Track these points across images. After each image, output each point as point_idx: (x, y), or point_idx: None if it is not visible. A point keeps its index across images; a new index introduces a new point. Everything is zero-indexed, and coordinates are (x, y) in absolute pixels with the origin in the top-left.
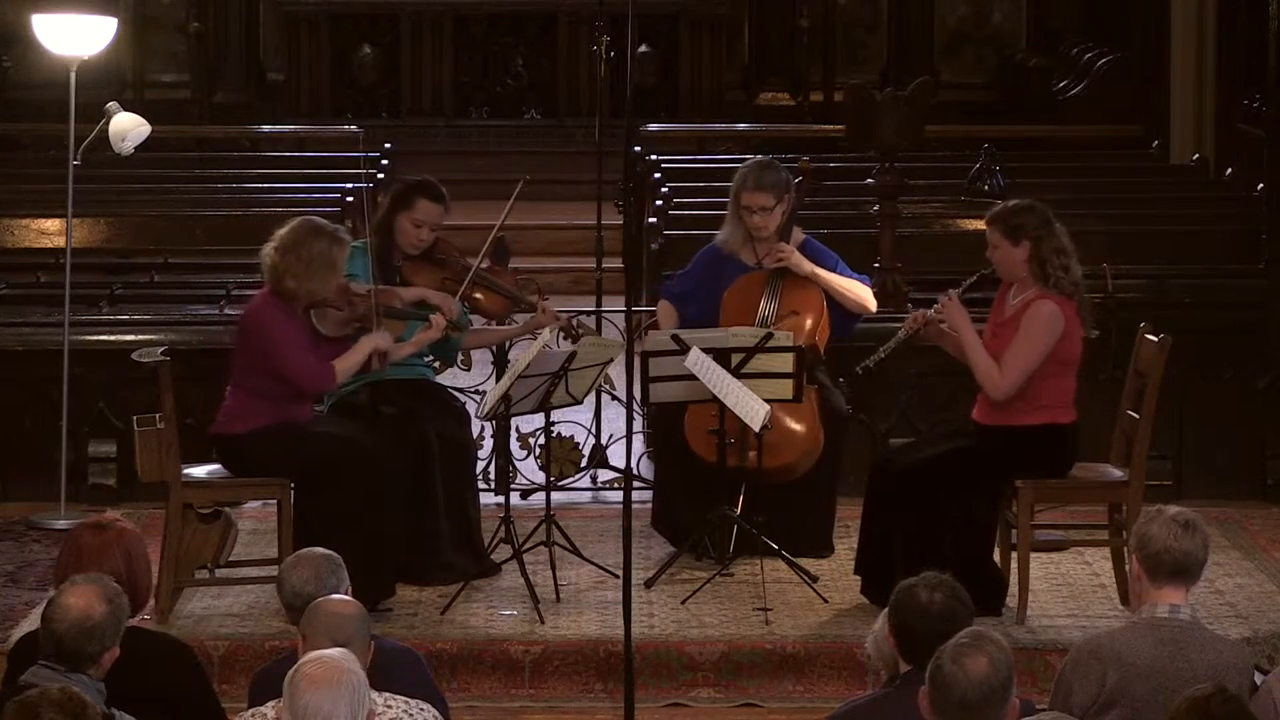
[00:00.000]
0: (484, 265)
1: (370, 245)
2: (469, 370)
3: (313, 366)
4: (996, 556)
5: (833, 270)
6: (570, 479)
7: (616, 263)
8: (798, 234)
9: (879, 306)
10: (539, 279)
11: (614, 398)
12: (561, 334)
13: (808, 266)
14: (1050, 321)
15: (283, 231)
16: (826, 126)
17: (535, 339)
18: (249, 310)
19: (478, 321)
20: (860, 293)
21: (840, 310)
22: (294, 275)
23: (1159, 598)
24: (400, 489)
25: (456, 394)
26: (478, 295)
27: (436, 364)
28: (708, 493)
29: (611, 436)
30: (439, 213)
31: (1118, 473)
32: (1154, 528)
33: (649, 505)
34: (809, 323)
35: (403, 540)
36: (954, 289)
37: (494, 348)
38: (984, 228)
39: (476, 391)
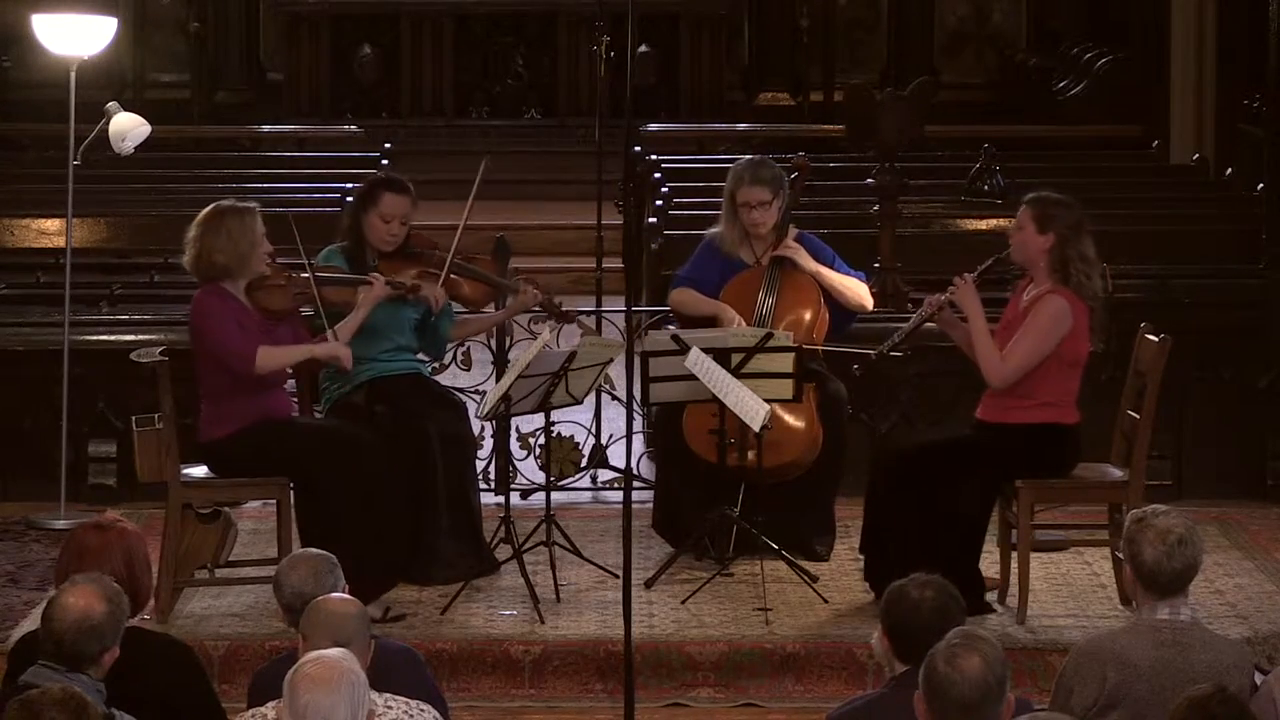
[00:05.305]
0: (459, 255)
1: (342, 249)
2: (469, 370)
3: (237, 344)
4: (997, 556)
5: (829, 266)
6: (570, 479)
7: (616, 263)
8: (792, 231)
9: (879, 306)
10: (539, 279)
11: (614, 398)
12: (547, 316)
13: (813, 264)
14: (1059, 315)
15: (194, 224)
16: (826, 126)
17: (535, 339)
18: (190, 310)
19: (461, 309)
20: (858, 290)
21: (837, 308)
22: (219, 250)
23: (1158, 601)
24: (397, 482)
25: (456, 393)
26: (459, 284)
27: (434, 365)
28: (709, 493)
29: (611, 436)
30: (404, 204)
31: (1118, 473)
32: (1146, 548)
33: (649, 505)
34: (806, 318)
35: (400, 534)
36: (970, 272)
37: (493, 347)
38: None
39: (476, 391)
